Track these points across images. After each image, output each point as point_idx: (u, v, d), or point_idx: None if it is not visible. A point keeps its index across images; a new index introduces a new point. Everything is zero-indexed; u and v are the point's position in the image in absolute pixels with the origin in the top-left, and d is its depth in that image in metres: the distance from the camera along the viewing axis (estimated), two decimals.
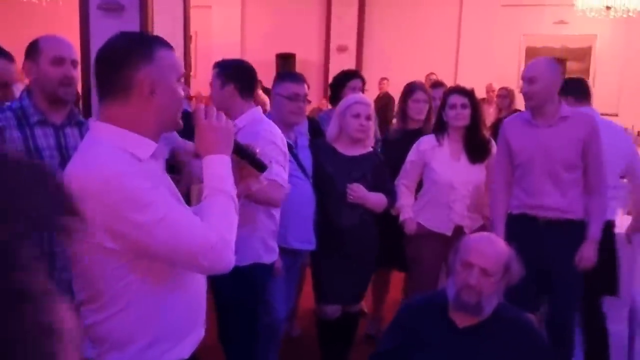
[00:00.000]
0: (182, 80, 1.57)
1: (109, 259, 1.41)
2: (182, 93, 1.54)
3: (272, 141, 2.60)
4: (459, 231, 3.32)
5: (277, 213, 2.79)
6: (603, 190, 3.11)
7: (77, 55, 2.27)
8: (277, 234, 2.83)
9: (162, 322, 1.51)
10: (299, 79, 3.08)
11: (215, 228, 1.42)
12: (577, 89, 4.12)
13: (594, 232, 3.08)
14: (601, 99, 9.82)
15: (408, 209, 3.45)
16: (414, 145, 3.49)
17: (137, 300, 1.46)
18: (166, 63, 1.49)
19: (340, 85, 4.01)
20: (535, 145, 3.12)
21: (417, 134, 3.72)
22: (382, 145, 3.93)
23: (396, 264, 3.87)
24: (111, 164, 1.40)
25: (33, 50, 2.22)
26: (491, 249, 2.08)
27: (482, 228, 3.42)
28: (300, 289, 3.98)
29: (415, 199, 3.54)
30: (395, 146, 3.66)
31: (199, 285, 1.62)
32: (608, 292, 3.43)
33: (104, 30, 5.77)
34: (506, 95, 6.85)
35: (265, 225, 2.73)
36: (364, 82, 4.10)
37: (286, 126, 3.05)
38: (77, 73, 2.25)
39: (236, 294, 2.65)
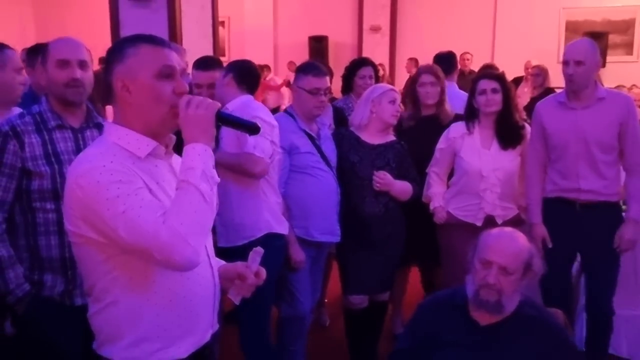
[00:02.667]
0: (172, 74, 1.50)
1: (96, 251, 1.46)
2: (169, 88, 1.49)
3: (255, 115, 2.65)
4: (490, 221, 3.24)
5: (276, 186, 2.91)
6: None
7: (86, 55, 2.23)
8: (282, 206, 2.92)
9: (148, 321, 1.51)
10: (322, 72, 3.05)
11: (170, 224, 1.37)
12: (445, 63, 4.23)
13: (635, 212, 3.06)
14: None
15: (439, 197, 3.39)
16: (444, 133, 3.41)
17: (123, 296, 1.49)
18: (136, 59, 1.49)
19: (351, 74, 3.96)
20: (570, 127, 3.07)
21: (433, 120, 3.62)
22: (397, 134, 3.85)
23: (416, 260, 3.82)
24: (90, 159, 1.45)
25: (44, 55, 2.23)
26: (510, 246, 2.01)
27: (517, 218, 3.35)
28: (327, 277, 3.96)
29: (448, 187, 3.47)
30: (410, 134, 3.52)
31: (197, 288, 1.58)
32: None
33: (133, 20, 5.81)
34: (539, 73, 6.64)
35: (271, 198, 2.84)
36: (375, 69, 4.02)
37: (308, 119, 3.05)
38: (88, 73, 2.21)
39: None
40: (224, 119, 1.57)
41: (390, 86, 3.40)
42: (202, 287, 1.59)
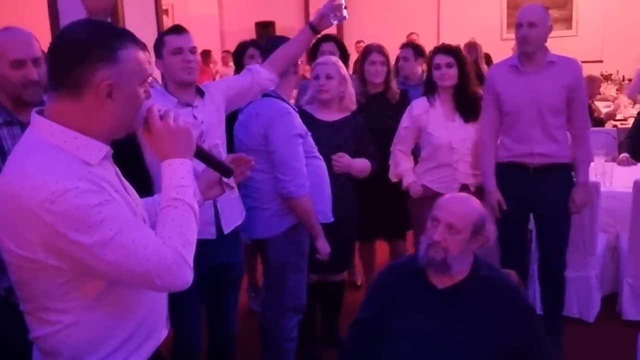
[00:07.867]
0: (148, 81, 1.43)
1: (52, 276, 1.31)
2: (144, 96, 1.40)
3: None
4: (465, 190, 3.27)
5: None
6: (588, 135, 3.21)
7: (38, 48, 2.11)
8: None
9: (110, 337, 1.42)
10: None
11: (173, 246, 1.32)
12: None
13: (583, 176, 3.18)
14: (585, 46, 9.73)
15: (410, 173, 3.41)
16: (407, 111, 3.42)
17: (84, 317, 1.38)
18: (131, 66, 1.33)
19: (314, 50, 3.90)
20: (524, 93, 3.12)
21: (380, 98, 3.65)
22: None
23: (381, 234, 3.86)
24: (55, 176, 1.24)
25: None
26: (459, 206, 2.04)
27: None
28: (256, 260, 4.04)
29: (415, 163, 3.50)
30: (360, 111, 3.47)
31: (151, 293, 1.48)
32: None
33: (73, 10, 5.59)
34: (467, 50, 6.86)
35: None
36: (339, 44, 3.89)
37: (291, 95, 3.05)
38: (42, 69, 2.07)
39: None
40: (199, 153, 1.53)
41: (320, 59, 3.27)
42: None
